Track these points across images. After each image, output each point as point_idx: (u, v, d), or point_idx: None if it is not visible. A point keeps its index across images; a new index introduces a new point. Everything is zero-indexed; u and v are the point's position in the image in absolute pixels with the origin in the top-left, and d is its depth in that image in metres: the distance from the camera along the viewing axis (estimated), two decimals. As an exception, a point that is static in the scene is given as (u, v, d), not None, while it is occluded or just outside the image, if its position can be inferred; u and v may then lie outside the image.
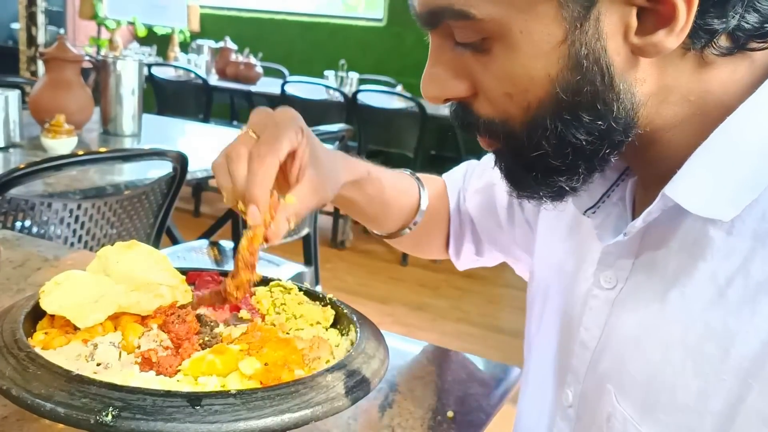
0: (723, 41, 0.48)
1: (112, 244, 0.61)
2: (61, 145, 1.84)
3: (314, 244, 2.39)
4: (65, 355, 0.51)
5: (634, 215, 0.60)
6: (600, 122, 0.49)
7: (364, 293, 3.34)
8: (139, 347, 0.53)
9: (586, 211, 0.60)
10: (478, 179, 0.85)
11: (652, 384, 0.53)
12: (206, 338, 0.55)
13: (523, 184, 0.56)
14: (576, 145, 0.51)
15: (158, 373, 0.50)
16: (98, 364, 0.50)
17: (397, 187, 0.79)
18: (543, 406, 0.70)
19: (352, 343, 0.60)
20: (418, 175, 0.84)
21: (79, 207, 1.39)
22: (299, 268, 2.35)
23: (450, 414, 0.69)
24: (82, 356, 0.51)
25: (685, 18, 0.45)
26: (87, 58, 2.30)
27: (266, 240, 0.56)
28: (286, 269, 2.30)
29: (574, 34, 0.47)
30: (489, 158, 0.82)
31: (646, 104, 0.51)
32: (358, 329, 0.61)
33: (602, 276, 0.59)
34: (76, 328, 0.54)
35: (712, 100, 0.51)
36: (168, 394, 0.45)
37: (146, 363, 0.51)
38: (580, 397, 0.62)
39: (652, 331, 0.54)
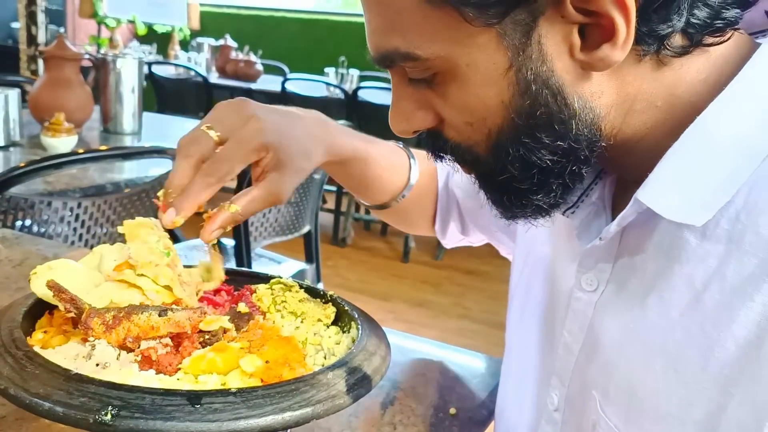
0: (677, 41, 0.48)
1: (111, 244, 0.60)
2: (61, 143, 1.83)
3: (315, 241, 2.39)
4: (63, 355, 0.50)
5: (614, 214, 0.59)
6: (560, 142, 0.49)
7: (366, 290, 3.34)
8: (138, 345, 0.53)
9: (565, 212, 0.59)
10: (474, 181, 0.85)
11: (636, 392, 0.52)
12: (206, 336, 0.55)
13: (503, 207, 0.56)
14: (541, 166, 0.51)
15: (158, 372, 0.50)
16: (97, 364, 0.50)
17: (385, 163, 0.80)
18: (525, 405, 0.69)
19: (353, 341, 0.60)
20: (412, 150, 0.85)
21: (79, 205, 1.39)
22: (301, 265, 2.35)
23: (452, 411, 0.69)
24: (80, 356, 0.51)
25: (625, 30, 0.45)
26: (87, 56, 2.30)
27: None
28: (288, 267, 2.30)
29: (519, 60, 0.47)
30: None
31: (609, 116, 0.50)
32: (359, 326, 0.60)
33: (583, 278, 0.59)
34: (75, 327, 0.54)
35: (680, 103, 0.50)
36: (167, 392, 0.44)
37: (146, 361, 0.51)
38: (566, 402, 0.62)
39: (634, 337, 0.53)
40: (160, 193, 0.61)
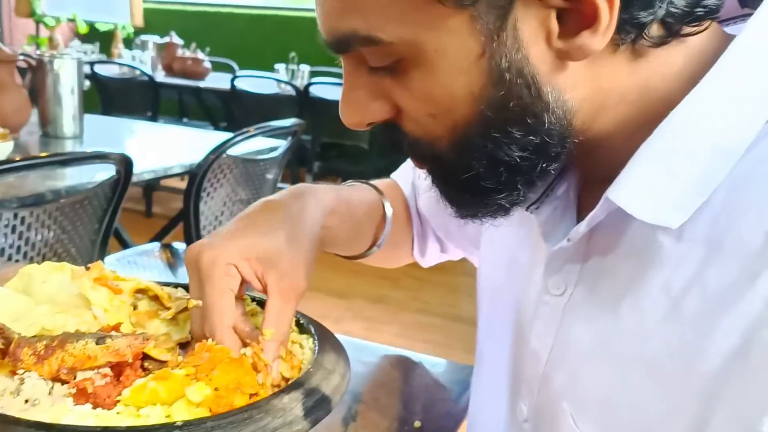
0: (655, 30, 0.45)
1: (52, 255, 0.55)
2: (-3, 150, 1.74)
3: (270, 242, 2.33)
4: (-12, 391, 0.46)
5: (580, 211, 0.56)
6: (532, 137, 0.46)
7: (323, 288, 3.30)
8: (74, 377, 0.48)
9: (529, 207, 0.56)
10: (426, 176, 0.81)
11: (611, 404, 0.50)
12: (146, 363, 0.50)
13: (460, 205, 0.53)
14: (509, 162, 0.47)
15: (95, 406, 0.45)
16: (26, 401, 0.45)
17: (363, 202, 0.73)
18: (497, 417, 0.65)
19: (311, 351, 0.56)
20: (374, 182, 0.78)
21: (15, 216, 1.31)
22: (256, 267, 2.29)
23: (417, 424, 0.66)
24: (7, 391, 0.46)
25: (608, 16, 0.42)
26: (22, 57, 2.20)
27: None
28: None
29: (492, 47, 0.43)
30: None
31: (581, 110, 0.47)
32: (315, 342, 0.57)
33: (550, 281, 0.55)
34: (3, 357, 0.49)
35: (654, 97, 0.47)
36: (103, 430, 0.40)
37: (81, 395, 0.46)
38: (535, 412, 0.58)
39: (606, 345, 0.50)
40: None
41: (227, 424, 0.43)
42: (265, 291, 0.55)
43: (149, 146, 2.45)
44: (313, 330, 0.58)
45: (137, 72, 4.55)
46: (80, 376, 0.48)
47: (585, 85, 0.46)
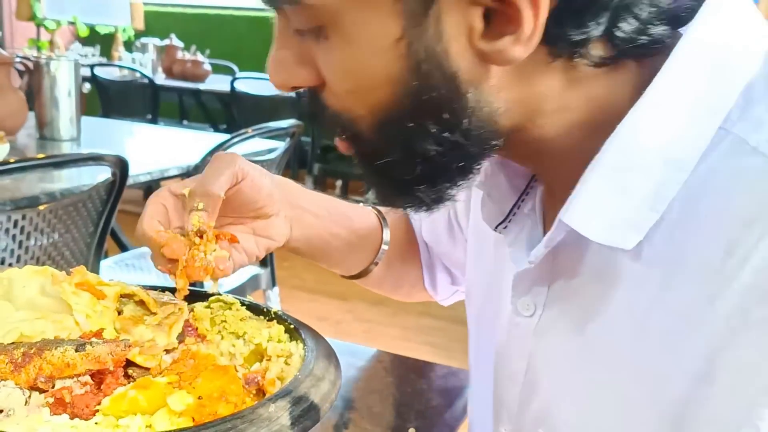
0: (597, 50, 0.42)
1: (47, 258, 0.54)
2: (-8, 152, 1.73)
3: (269, 244, 2.32)
4: (-38, 402, 0.44)
5: (546, 228, 0.53)
6: (448, 133, 0.44)
7: (323, 290, 3.28)
8: (53, 386, 0.46)
9: (497, 227, 0.54)
10: None
11: (586, 431, 0.48)
12: (130, 370, 0.49)
13: (379, 190, 0.51)
14: (425, 155, 0.45)
15: (72, 416, 0.44)
16: (0, 411, 0.43)
17: (359, 216, 0.73)
18: None
19: (300, 357, 0.54)
20: (381, 209, 0.77)
21: (9, 219, 1.30)
22: (254, 270, 2.28)
23: (411, 430, 0.65)
24: (-19, 401, 0.44)
25: (531, 25, 0.39)
26: (19, 59, 2.19)
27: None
28: (240, 273, 2.23)
29: (412, 33, 0.41)
30: None
31: (511, 112, 0.45)
32: (306, 347, 0.55)
33: (519, 303, 0.53)
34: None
35: (601, 105, 0.45)
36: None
37: (59, 404, 0.44)
38: None
39: (577, 370, 0.48)
40: None
41: (209, 434, 0.41)
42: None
43: (147, 148, 2.44)
44: (303, 335, 0.57)
45: (137, 74, 4.55)
46: (59, 384, 0.46)
47: (514, 89, 0.44)
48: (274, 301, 2.38)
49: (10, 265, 1.34)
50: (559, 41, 0.41)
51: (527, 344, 0.53)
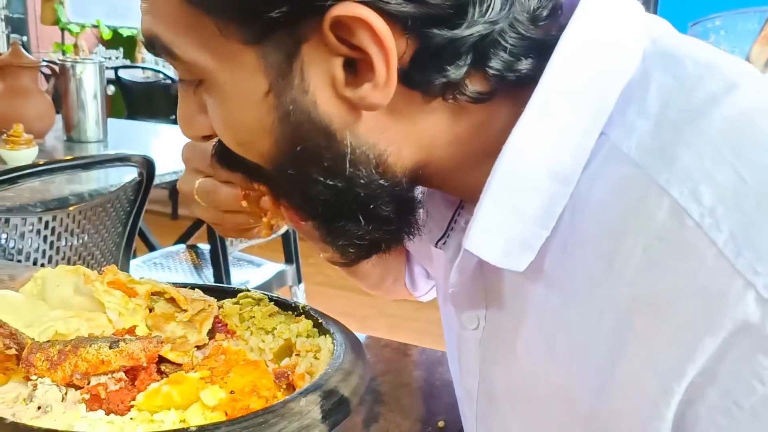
0: (476, 86, 0.41)
1: (77, 258, 0.55)
2: (21, 155, 1.76)
3: (294, 240, 2.34)
4: (1, 398, 0.45)
5: None
6: (333, 180, 0.43)
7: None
8: (88, 382, 0.47)
9: (437, 243, 0.53)
10: None
11: None
12: (163, 366, 0.49)
13: (321, 238, 0.49)
14: (324, 202, 0.45)
15: (108, 412, 0.45)
16: (39, 407, 0.44)
17: None
18: None
19: (330, 353, 0.55)
20: None
21: (40, 220, 1.32)
22: (280, 266, 2.29)
23: (440, 423, 0.65)
24: (20, 398, 0.45)
25: (384, 72, 0.39)
26: (44, 63, 2.22)
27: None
28: (267, 269, 2.25)
29: (279, 86, 0.41)
30: None
31: (404, 151, 0.44)
32: (334, 341, 0.55)
33: (463, 317, 0.53)
34: (17, 362, 0.48)
35: (487, 132, 0.44)
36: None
37: (94, 400, 0.45)
38: None
39: (515, 387, 0.48)
40: None
41: (242, 428, 0.42)
42: None
43: (172, 148, 2.46)
44: (332, 330, 0.57)
45: (161, 76, 4.59)
46: (94, 381, 0.47)
47: (398, 129, 0.43)
48: (300, 297, 2.39)
49: (42, 265, 1.37)
50: (423, 84, 0.41)
51: (476, 359, 0.53)
